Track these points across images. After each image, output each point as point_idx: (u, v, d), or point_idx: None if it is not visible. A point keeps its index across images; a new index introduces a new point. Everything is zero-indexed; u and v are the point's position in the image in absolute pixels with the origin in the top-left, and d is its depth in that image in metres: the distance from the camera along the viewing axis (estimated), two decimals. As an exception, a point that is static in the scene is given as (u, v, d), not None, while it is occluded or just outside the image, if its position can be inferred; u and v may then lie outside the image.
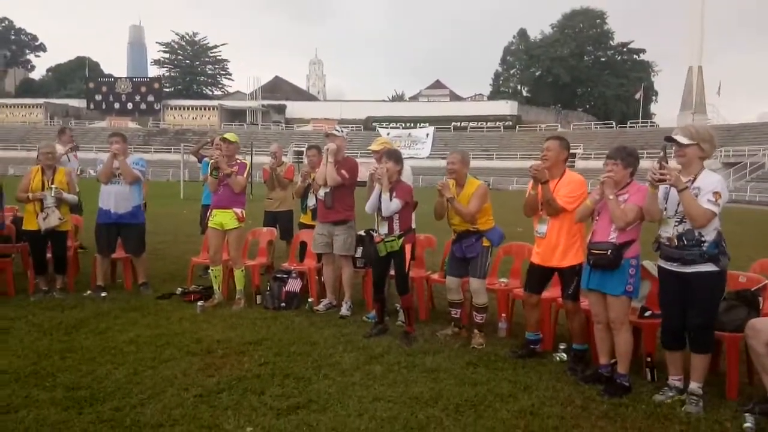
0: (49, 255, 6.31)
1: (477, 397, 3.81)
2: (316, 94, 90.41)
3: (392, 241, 4.98)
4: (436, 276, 5.99)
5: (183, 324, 5.28)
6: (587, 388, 4.00)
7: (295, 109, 68.96)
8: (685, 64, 60.05)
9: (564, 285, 4.48)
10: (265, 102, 69.25)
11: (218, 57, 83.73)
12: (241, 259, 6.14)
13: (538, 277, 4.59)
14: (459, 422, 3.44)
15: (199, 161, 7.95)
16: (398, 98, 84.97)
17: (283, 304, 5.89)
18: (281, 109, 68.70)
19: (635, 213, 3.88)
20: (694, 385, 3.71)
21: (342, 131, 6.11)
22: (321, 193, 5.86)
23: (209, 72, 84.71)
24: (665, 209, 3.73)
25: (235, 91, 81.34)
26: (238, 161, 6.17)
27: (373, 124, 60.17)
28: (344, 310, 5.76)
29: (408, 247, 5.02)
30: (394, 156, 5.16)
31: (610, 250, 3.91)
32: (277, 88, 78.34)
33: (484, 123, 60.63)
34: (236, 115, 68.26)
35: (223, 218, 6.00)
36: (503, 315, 5.35)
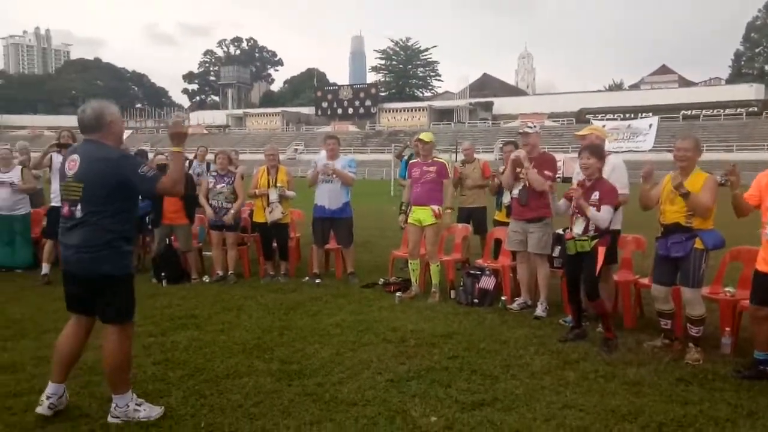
0: (275, 245, 7.22)
1: (686, 417, 3.39)
2: (525, 89, 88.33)
3: (584, 241, 4.66)
4: (645, 281, 5.46)
5: (382, 312, 5.63)
6: (836, 424, 3.30)
7: (502, 105, 68.31)
8: None
9: None
10: (473, 100, 69.81)
11: (428, 59, 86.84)
12: (436, 254, 6.31)
13: (765, 287, 3.90)
14: (661, 443, 3.11)
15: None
16: (616, 87, 78.99)
17: (476, 300, 5.91)
18: (488, 106, 68.63)
19: None
20: None
21: (535, 126, 5.90)
22: (515, 190, 5.74)
23: (420, 74, 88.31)
24: None
25: (444, 92, 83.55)
26: (435, 159, 6.34)
27: (587, 116, 56.68)
28: (539, 311, 5.57)
29: (601, 251, 4.62)
30: (597, 152, 4.80)
31: None
32: (485, 85, 78.44)
33: (722, 110, 53.09)
34: (444, 115, 70.03)
35: (421, 214, 6.23)
36: (727, 329, 4.65)
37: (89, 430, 3.13)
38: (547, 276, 5.71)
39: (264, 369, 4.06)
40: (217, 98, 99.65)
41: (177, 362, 4.16)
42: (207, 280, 7.06)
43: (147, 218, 7.38)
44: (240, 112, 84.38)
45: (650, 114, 53.58)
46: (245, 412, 3.37)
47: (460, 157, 8.41)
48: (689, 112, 54.02)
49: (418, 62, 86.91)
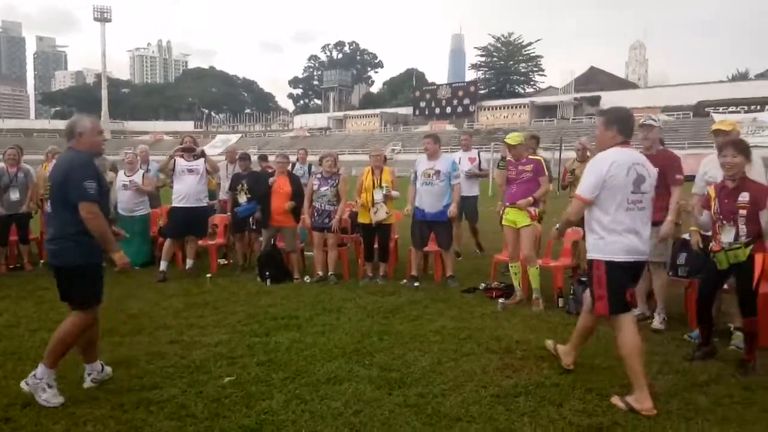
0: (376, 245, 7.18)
1: None
2: (636, 81, 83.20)
3: (737, 249, 4.09)
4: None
5: (484, 320, 5.37)
6: None
7: (610, 99, 64.62)
8: None
9: None
10: (578, 95, 66.84)
11: (531, 54, 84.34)
12: (534, 258, 5.94)
13: None
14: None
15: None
16: (740, 77, 72.26)
17: (588, 310, 5.49)
18: (595, 101, 65.34)
19: None
20: None
21: (658, 121, 5.36)
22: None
23: (522, 70, 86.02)
24: None
25: (547, 87, 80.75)
26: (531, 157, 6.02)
27: (706, 109, 52.35)
28: (657, 323, 5.07)
29: (758, 258, 4.03)
30: (744, 149, 4.17)
31: None
32: (592, 79, 74.80)
33: None
34: (547, 111, 67.63)
35: (515, 215, 5.91)
36: None
37: (195, 431, 3.17)
38: (665, 285, 5.19)
39: (364, 375, 3.97)
40: (319, 102, 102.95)
41: (279, 364, 4.18)
42: (308, 281, 7.15)
43: (251, 219, 7.61)
44: (340, 114, 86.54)
45: (781, 105, 48.49)
46: (346, 421, 3.29)
47: (566, 155, 7.91)
48: (829, 103, 48.31)
49: (521, 57, 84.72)
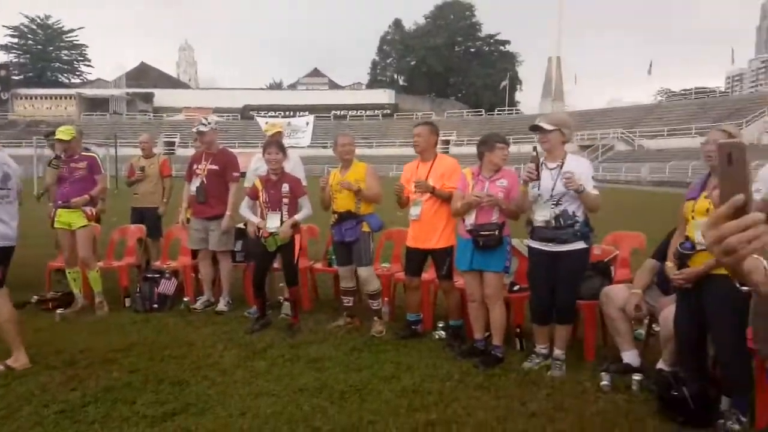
0: None
1: (361, 381, 3.85)
2: (188, 82, 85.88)
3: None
4: (319, 265, 5.96)
5: (40, 335, 4.79)
6: (464, 362, 4.19)
7: (164, 97, 65.17)
8: (545, 55, 64.55)
9: (438, 266, 4.64)
10: (130, 90, 64.77)
11: (75, 42, 76.84)
12: (92, 260, 5.61)
13: (415, 260, 4.72)
14: (344, 409, 3.45)
15: None
16: (276, 86, 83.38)
17: (155, 306, 5.54)
18: (148, 98, 64.63)
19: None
20: (558, 352, 4.01)
21: (210, 123, 5.80)
22: (193, 187, 5.57)
23: (65, 58, 77.53)
24: (539, 195, 3.89)
25: (96, 79, 75.24)
26: (84, 154, 5.68)
27: (251, 112, 58.53)
28: (221, 306, 5.56)
29: (297, 238, 4.96)
30: (283, 147, 5.09)
31: (497, 230, 4.11)
32: (144, 75, 73.50)
33: (363, 111, 61.37)
34: (98, 105, 63.19)
35: (69, 217, 5.45)
36: (386, 299, 5.43)
37: None
38: (230, 271, 5.73)
39: None
40: None
41: None
42: None
43: None
44: None
45: (307, 113, 58.32)
46: None
47: (123, 151, 7.66)
48: (339, 113, 60.78)
49: (62, 44, 76.07)
